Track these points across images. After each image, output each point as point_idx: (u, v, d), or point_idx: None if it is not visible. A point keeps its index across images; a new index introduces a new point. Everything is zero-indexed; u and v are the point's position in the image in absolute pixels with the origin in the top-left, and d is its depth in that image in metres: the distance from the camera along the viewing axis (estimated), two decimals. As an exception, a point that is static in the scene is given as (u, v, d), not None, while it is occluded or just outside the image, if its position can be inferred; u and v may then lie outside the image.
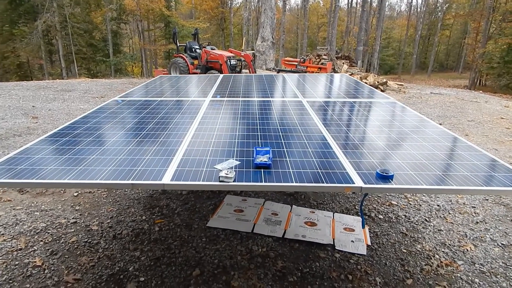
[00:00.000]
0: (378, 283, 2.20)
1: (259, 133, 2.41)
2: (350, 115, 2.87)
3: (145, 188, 1.68)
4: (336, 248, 2.52)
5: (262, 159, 1.89)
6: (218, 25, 34.36)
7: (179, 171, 1.80)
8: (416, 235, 2.74)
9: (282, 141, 2.27)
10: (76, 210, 2.99)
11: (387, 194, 3.45)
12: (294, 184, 1.68)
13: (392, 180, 1.74)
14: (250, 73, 9.84)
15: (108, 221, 2.81)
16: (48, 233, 2.63)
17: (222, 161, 1.94)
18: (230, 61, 9.37)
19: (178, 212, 2.97)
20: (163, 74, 10.78)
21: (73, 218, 2.85)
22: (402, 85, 11.29)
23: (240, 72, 9.90)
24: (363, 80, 10.43)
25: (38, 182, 1.70)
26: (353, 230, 2.74)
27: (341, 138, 2.33)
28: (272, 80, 4.68)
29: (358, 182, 1.69)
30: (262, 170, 1.83)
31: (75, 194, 3.28)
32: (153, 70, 22.35)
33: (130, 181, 1.68)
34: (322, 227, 2.76)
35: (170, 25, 26.91)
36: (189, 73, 10.11)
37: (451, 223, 2.94)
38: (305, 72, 10.50)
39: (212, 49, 10.10)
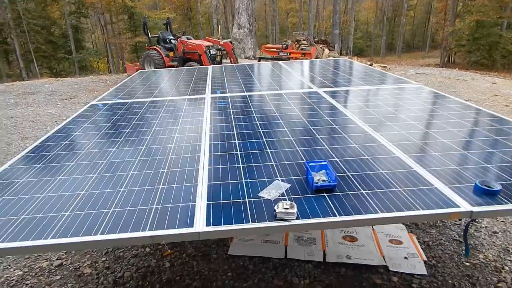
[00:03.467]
0: (455, 313, 1.79)
1: (290, 138, 1.91)
2: (386, 107, 2.42)
3: (171, 241, 1.19)
4: (390, 269, 2.09)
5: (321, 178, 1.41)
6: (185, 14, 33.00)
7: (213, 206, 1.28)
8: (472, 242, 2.37)
9: (326, 147, 1.79)
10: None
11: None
12: (386, 215, 1.20)
13: (499, 195, 1.31)
14: (231, 63, 9.24)
15: (103, 259, 2.25)
16: (26, 285, 2.04)
17: (263, 183, 1.44)
18: (209, 51, 8.71)
19: (188, 237, 2.44)
20: (137, 69, 9.97)
21: (57, 259, 2.25)
22: (385, 67, 11.07)
23: (220, 62, 9.26)
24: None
25: (32, 245, 1.13)
26: (401, 243, 2.33)
27: (395, 137, 1.88)
28: (269, 69, 4.16)
29: (465, 205, 1.24)
30: (325, 194, 1.35)
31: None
32: (125, 65, 21.01)
33: (147, 233, 1.15)
34: (365, 242, 2.32)
35: (135, 16, 25.49)
36: (165, 66, 9.37)
37: (503, 221, 2.60)
38: (289, 58, 10.01)
39: (188, 39, 9.38)
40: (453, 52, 26.18)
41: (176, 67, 8.91)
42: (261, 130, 2.06)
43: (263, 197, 1.33)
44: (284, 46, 10.38)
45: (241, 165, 1.61)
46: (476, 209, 1.22)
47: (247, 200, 1.32)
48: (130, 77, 4.16)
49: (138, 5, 26.60)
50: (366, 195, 1.33)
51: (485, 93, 7.14)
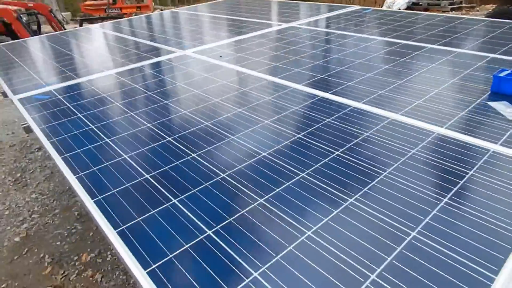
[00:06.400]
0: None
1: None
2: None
3: None
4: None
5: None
6: None
7: None
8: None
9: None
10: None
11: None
12: None
13: None
14: (55, 30, 7.12)
15: None
16: None
17: None
18: (21, 17, 6.38)
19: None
20: None
21: None
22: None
23: (39, 31, 7.00)
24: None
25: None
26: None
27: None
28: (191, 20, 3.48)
29: None
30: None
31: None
32: None
33: None
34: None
35: None
36: None
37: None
38: (121, 15, 8.55)
39: (-24, 5, 6.52)
40: None
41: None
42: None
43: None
44: (111, 1, 8.70)
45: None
46: None
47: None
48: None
49: None
50: None
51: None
